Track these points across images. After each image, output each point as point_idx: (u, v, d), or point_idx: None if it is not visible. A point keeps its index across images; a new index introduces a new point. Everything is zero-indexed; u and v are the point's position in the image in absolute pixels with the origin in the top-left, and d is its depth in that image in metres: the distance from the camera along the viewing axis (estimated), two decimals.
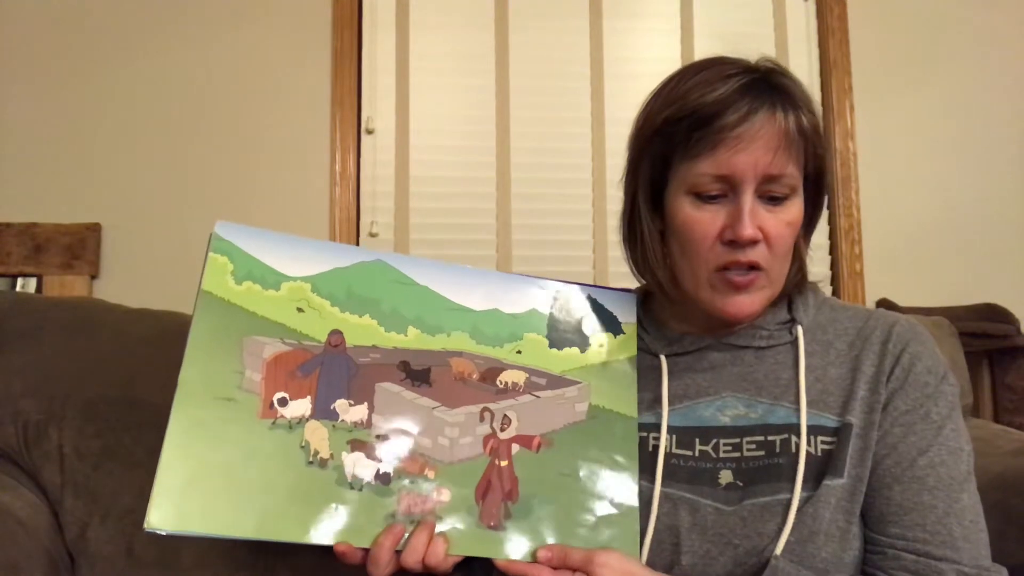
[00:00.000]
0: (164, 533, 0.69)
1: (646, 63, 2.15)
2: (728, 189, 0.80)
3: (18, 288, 1.95)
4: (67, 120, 2.03)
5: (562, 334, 0.87)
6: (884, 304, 2.04)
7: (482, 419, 0.81)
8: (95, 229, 1.97)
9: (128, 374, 1.19)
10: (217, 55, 2.08)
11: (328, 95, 2.07)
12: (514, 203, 2.09)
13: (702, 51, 2.11)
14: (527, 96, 2.13)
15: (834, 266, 2.12)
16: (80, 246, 1.95)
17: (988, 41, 2.20)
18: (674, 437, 0.85)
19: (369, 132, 2.09)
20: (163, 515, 0.70)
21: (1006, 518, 1.00)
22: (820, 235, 2.10)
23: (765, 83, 0.80)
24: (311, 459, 0.75)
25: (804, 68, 2.17)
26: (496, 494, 0.79)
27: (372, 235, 2.04)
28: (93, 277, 1.97)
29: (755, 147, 0.77)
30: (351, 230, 2.03)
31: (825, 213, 0.91)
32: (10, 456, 1.16)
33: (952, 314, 1.73)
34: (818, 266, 2.09)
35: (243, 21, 2.09)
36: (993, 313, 1.93)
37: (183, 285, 1.46)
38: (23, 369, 1.18)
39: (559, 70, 2.15)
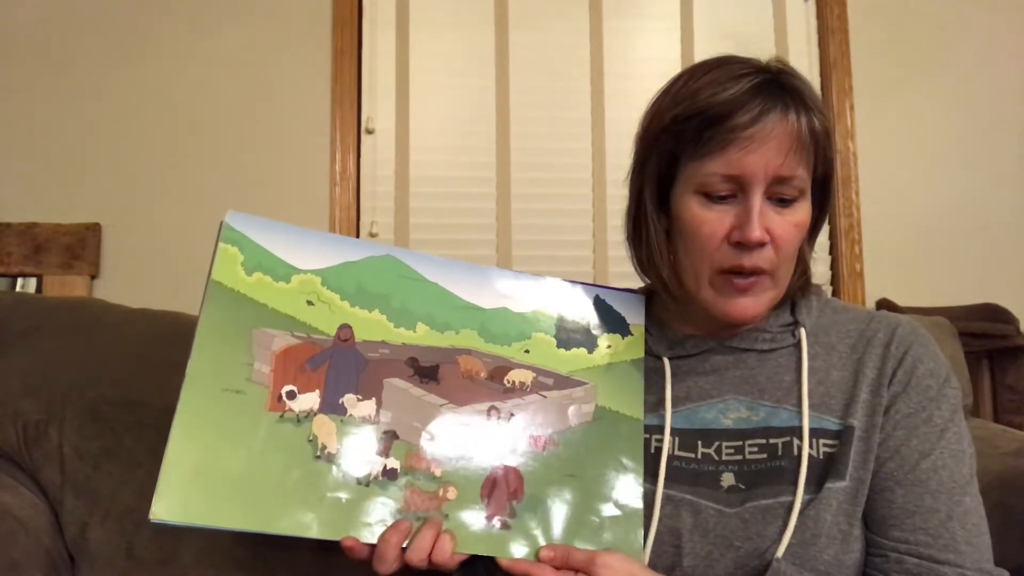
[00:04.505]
0: (169, 524, 0.69)
1: (646, 63, 2.15)
2: (737, 190, 0.79)
3: (18, 288, 1.95)
4: (67, 120, 2.02)
5: (570, 334, 0.87)
6: (884, 304, 2.04)
7: (489, 417, 0.81)
8: (95, 229, 1.97)
9: (128, 374, 1.19)
10: (217, 55, 2.07)
11: (328, 95, 2.07)
12: (514, 203, 2.09)
13: (702, 51, 2.11)
14: (527, 96, 2.13)
15: (834, 266, 2.12)
16: (80, 246, 1.95)
17: (988, 41, 2.20)
18: (677, 439, 0.85)
19: (369, 132, 2.09)
20: (168, 506, 0.69)
21: (1006, 518, 1.00)
22: (820, 235, 2.10)
23: (776, 84, 0.80)
24: (319, 453, 0.74)
25: (804, 68, 2.16)
26: (501, 493, 0.79)
27: (372, 235, 2.04)
28: (93, 277, 1.96)
29: (766, 148, 0.77)
30: (351, 230, 2.04)
31: None
32: (10, 456, 1.16)
33: (952, 314, 1.73)
34: (818, 266, 2.09)
35: (243, 21, 2.09)
36: (993, 313, 1.93)
37: (183, 285, 1.47)
38: (23, 369, 1.18)
39: (559, 70, 2.15)
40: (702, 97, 0.79)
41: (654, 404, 0.87)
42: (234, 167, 2.04)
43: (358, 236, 2.04)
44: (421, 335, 0.82)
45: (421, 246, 2.03)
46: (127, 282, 1.97)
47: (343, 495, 0.74)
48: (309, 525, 0.73)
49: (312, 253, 0.81)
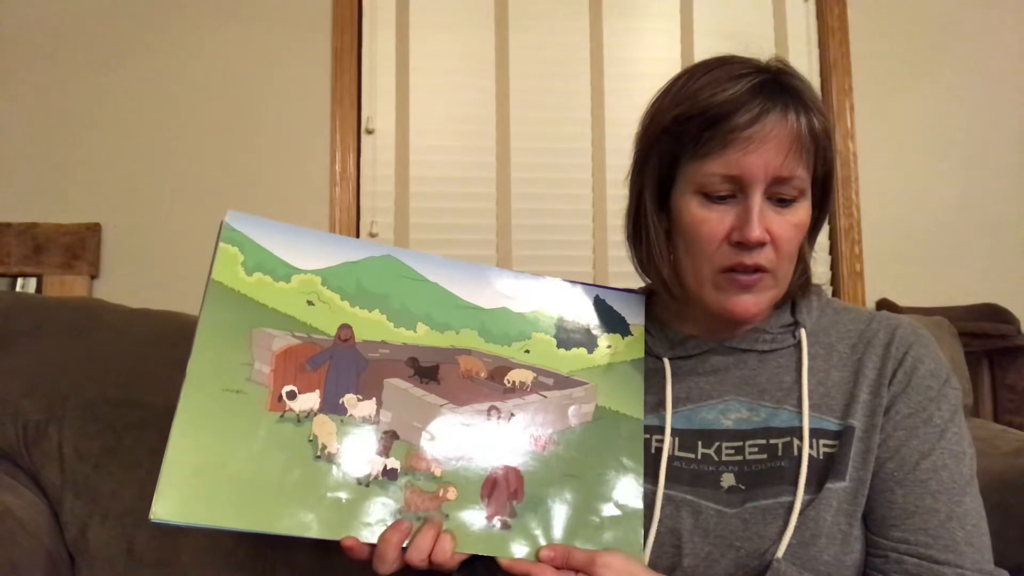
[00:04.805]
0: (169, 524, 0.69)
1: (646, 63, 2.15)
2: (737, 190, 0.79)
3: (18, 288, 1.95)
4: (67, 120, 2.02)
5: (570, 334, 0.87)
6: (884, 304, 2.04)
7: (489, 417, 0.81)
8: (95, 229, 1.97)
9: (128, 374, 1.19)
10: (217, 55, 2.08)
11: (328, 95, 2.07)
12: (514, 203, 2.09)
13: (702, 51, 2.11)
14: (527, 96, 2.14)
15: (834, 266, 2.12)
16: (80, 246, 1.95)
17: (988, 41, 2.21)
18: (677, 440, 0.85)
19: (369, 132, 2.09)
20: (168, 506, 0.69)
21: (1006, 518, 1.00)
22: (820, 235, 2.10)
23: (776, 84, 0.80)
24: (319, 453, 0.74)
25: (804, 68, 2.16)
26: (502, 493, 0.79)
27: (372, 235, 2.05)
28: (93, 277, 1.97)
29: (766, 148, 0.77)
30: (351, 230, 2.04)
31: None
32: (10, 456, 1.16)
33: (952, 314, 1.73)
34: (818, 266, 2.08)
35: (243, 21, 2.09)
36: (993, 313, 1.93)
37: (183, 285, 1.47)
38: (23, 369, 1.18)
39: (559, 70, 2.16)
40: (702, 97, 0.79)
41: (654, 404, 0.87)
42: (234, 167, 2.04)
43: (358, 236, 2.05)
44: (421, 335, 0.82)
45: (421, 246, 2.03)
46: (127, 282, 1.97)
47: (343, 495, 0.74)
48: (309, 525, 0.72)
49: (312, 253, 0.81)
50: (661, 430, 0.85)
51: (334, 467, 0.74)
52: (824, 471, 0.80)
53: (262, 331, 0.76)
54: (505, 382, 0.83)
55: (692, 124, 0.79)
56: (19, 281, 1.96)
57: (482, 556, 0.77)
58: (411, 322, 0.82)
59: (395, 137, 2.10)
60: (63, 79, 2.04)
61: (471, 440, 0.79)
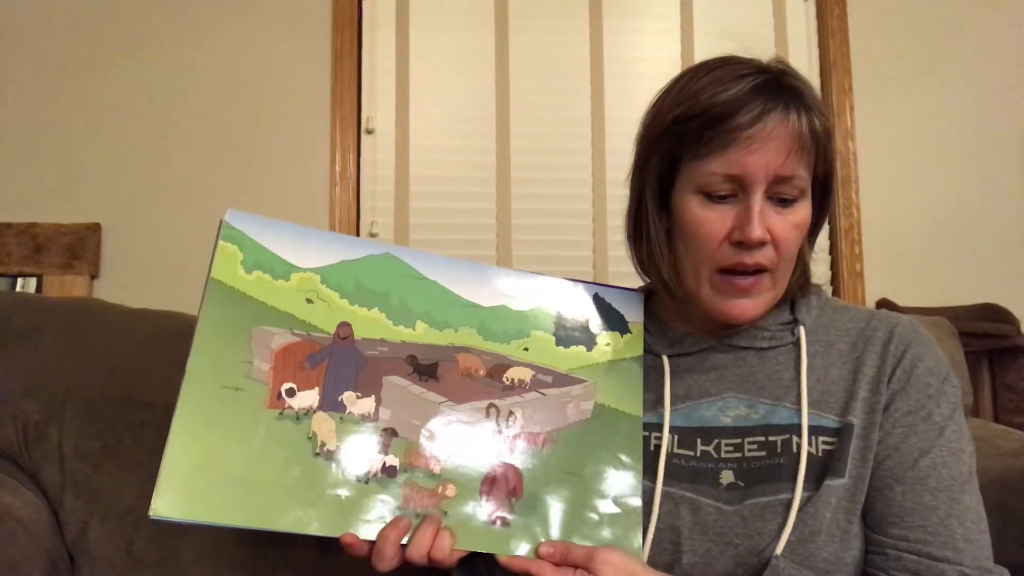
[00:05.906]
0: (169, 521, 0.69)
1: (646, 63, 2.15)
2: (738, 189, 0.79)
3: (18, 288, 1.95)
4: (67, 120, 2.03)
5: (569, 332, 0.87)
6: (884, 304, 2.04)
7: (488, 415, 0.81)
8: (95, 229, 1.97)
9: (128, 374, 1.19)
10: (217, 55, 2.08)
11: (328, 95, 2.08)
12: (514, 203, 2.10)
13: (702, 51, 2.12)
14: (527, 96, 2.14)
15: (834, 266, 2.12)
16: (80, 246, 1.95)
17: (988, 41, 2.21)
18: (676, 437, 0.85)
19: (369, 132, 2.09)
20: (169, 502, 0.69)
21: (1006, 518, 1.00)
22: (820, 235, 2.10)
23: (778, 84, 0.80)
24: (318, 450, 0.75)
25: (804, 68, 2.17)
26: (501, 490, 0.79)
27: (372, 235, 2.05)
28: (93, 277, 1.97)
29: (767, 148, 0.77)
30: (351, 230, 2.04)
31: None
32: (10, 456, 1.16)
33: (952, 314, 1.73)
34: (818, 266, 2.09)
35: (243, 21, 2.09)
36: (993, 313, 1.93)
37: (183, 285, 1.47)
38: (23, 369, 1.18)
39: (559, 70, 2.16)
40: (703, 97, 0.79)
41: (653, 402, 0.87)
42: (234, 167, 2.05)
43: (358, 236, 2.04)
44: (420, 333, 0.82)
45: (421, 246, 2.03)
46: (127, 282, 1.97)
47: (343, 492, 0.74)
48: (309, 522, 0.73)
49: (311, 251, 0.81)
50: (660, 427, 0.85)
51: (333, 464, 0.75)
52: (823, 468, 0.80)
53: (261, 329, 0.77)
54: (504, 380, 0.83)
55: (693, 124, 0.79)
56: (19, 281, 1.96)
57: (481, 553, 0.77)
58: (410, 320, 0.82)
59: (395, 137, 2.10)
60: (63, 79, 2.04)
61: (470, 438, 0.79)
